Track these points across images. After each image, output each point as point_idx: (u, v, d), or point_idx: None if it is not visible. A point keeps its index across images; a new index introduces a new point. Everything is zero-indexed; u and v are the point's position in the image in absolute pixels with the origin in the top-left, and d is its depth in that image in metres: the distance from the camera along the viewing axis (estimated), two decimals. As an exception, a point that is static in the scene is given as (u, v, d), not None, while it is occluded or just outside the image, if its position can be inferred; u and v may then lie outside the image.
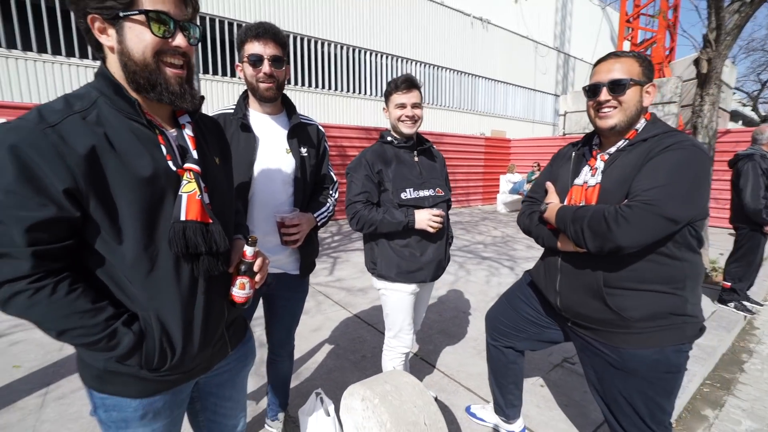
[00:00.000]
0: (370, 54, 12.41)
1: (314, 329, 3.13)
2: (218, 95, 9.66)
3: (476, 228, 8.06)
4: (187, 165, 0.85)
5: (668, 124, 1.29)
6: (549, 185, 1.49)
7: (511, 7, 15.40)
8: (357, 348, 2.83)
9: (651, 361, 1.25)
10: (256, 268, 0.98)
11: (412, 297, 1.83)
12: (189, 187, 0.83)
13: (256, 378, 2.36)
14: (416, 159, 1.83)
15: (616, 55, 1.31)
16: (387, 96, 1.77)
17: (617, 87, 1.26)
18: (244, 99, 1.53)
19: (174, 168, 0.83)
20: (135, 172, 0.77)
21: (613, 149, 1.32)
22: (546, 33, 17.80)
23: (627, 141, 1.29)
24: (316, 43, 11.21)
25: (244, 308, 1.02)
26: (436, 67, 14.04)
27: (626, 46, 13.20)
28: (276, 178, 1.51)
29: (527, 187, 10.21)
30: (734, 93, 16.92)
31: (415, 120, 1.74)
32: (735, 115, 25.41)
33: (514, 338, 1.74)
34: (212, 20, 9.43)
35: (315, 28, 11.04)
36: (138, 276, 0.81)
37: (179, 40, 0.80)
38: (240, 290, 0.96)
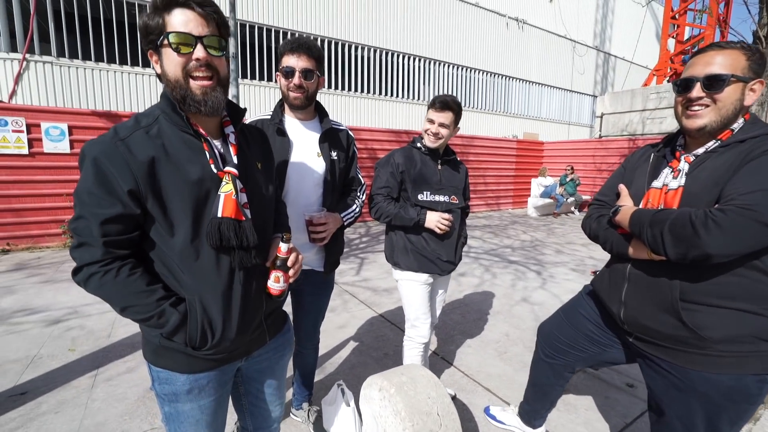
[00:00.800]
0: (403, 57, 12.51)
1: (340, 326, 3.26)
2: (257, 99, 10.10)
3: (504, 232, 7.97)
4: (226, 168, 0.97)
5: None
6: (622, 188, 1.37)
7: (548, 7, 15.03)
8: (380, 346, 2.93)
9: (726, 388, 1.12)
10: (289, 263, 1.08)
11: (426, 287, 2.01)
12: (227, 188, 0.95)
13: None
14: (439, 167, 2.01)
15: (719, 46, 1.14)
16: (428, 108, 1.96)
17: (715, 83, 1.10)
18: (280, 106, 1.67)
19: (215, 170, 0.95)
20: (185, 176, 0.91)
21: (700, 150, 1.18)
22: (585, 32, 17.21)
23: (719, 142, 1.15)
24: (350, 47, 11.44)
25: (280, 300, 1.13)
26: (468, 69, 13.93)
27: (671, 44, 12.58)
28: (307, 179, 1.64)
29: (560, 190, 9.96)
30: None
31: (438, 137, 1.91)
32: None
33: (571, 357, 1.61)
34: (251, 27, 9.86)
35: (348, 32, 11.27)
36: (186, 264, 0.94)
37: (199, 52, 0.89)
38: (275, 283, 1.07)
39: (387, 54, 12.20)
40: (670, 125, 10.33)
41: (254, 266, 1.03)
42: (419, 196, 1.94)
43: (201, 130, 0.97)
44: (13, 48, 7.72)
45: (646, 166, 1.34)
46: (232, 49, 5.85)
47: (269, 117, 1.65)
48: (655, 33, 18.87)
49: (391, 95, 12.55)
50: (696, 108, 1.15)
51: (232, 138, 1.03)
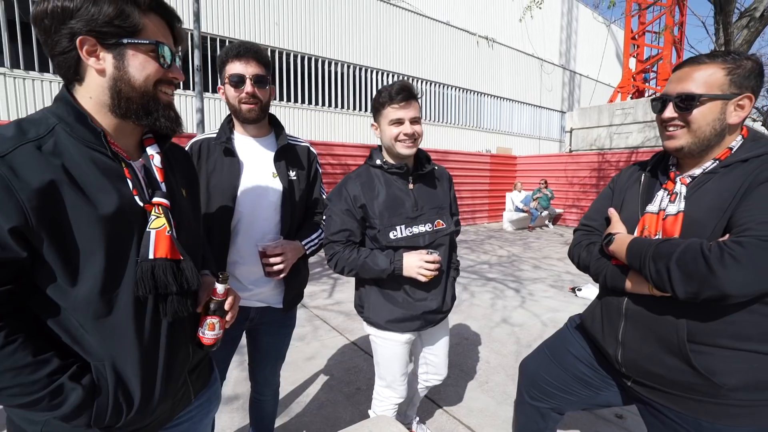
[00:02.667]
0: (377, 72, 12.53)
1: (309, 357, 2.99)
2: (221, 113, 9.78)
3: (481, 247, 7.90)
4: (155, 199, 0.80)
5: None
6: (612, 212, 1.22)
7: (516, 26, 15.52)
8: (351, 379, 2.68)
9: None
10: (227, 306, 0.92)
11: (407, 345, 1.61)
12: (158, 223, 0.78)
13: (242, 413, 2.22)
14: (411, 186, 1.53)
15: (695, 61, 1.04)
16: (377, 109, 1.47)
17: (685, 102, 1.02)
18: (228, 122, 1.45)
19: (141, 203, 0.77)
20: (97, 208, 0.71)
21: (697, 171, 1.07)
22: (551, 51, 17.89)
23: (717, 161, 1.04)
24: (322, 62, 11.35)
25: (213, 350, 0.95)
26: (441, 85, 14.12)
27: (632, 63, 13.17)
28: (262, 204, 1.42)
29: (533, 204, 10.06)
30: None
31: (415, 138, 1.45)
32: (746, 131, 25.13)
33: (560, 400, 1.41)
34: (221, 41, 9.61)
35: (321, 47, 11.20)
36: (92, 321, 0.74)
37: (177, 71, 0.82)
38: (209, 331, 0.90)
39: (361, 69, 12.19)
40: (636, 140, 10.69)
41: (187, 314, 0.85)
42: (391, 235, 1.46)
43: (120, 151, 0.78)
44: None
45: (638, 188, 1.21)
46: (197, 62, 5.60)
47: (215, 135, 1.42)
48: (615, 53, 19.84)
49: (365, 110, 12.49)
50: (671, 129, 1.07)
51: (157, 160, 0.85)
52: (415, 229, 1.50)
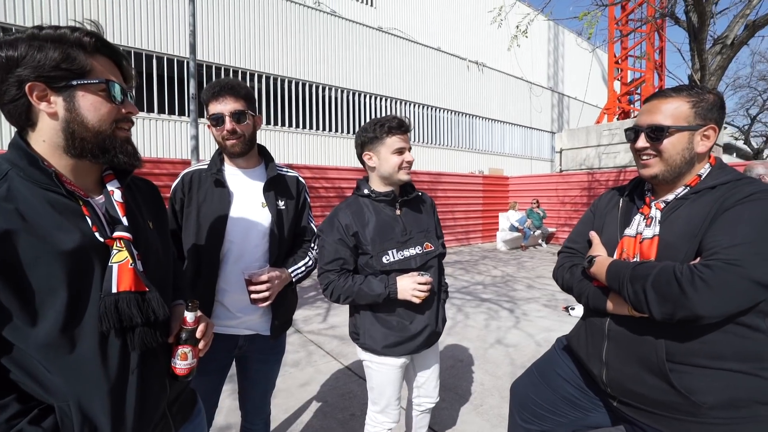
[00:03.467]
0: (370, 97, 12.81)
1: (303, 383, 2.97)
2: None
3: (475, 267, 7.92)
4: (116, 234, 0.80)
5: (738, 170, 1.10)
6: (593, 235, 1.28)
7: (505, 51, 16.01)
8: (346, 405, 2.66)
9: None
10: (198, 334, 0.92)
11: (401, 370, 1.64)
12: (120, 256, 0.79)
13: (235, 443, 2.19)
14: (398, 212, 1.61)
15: (662, 95, 1.12)
16: (378, 138, 1.52)
17: (655, 133, 1.09)
18: (219, 154, 1.51)
19: (101, 239, 0.78)
20: (54, 247, 0.72)
21: (670, 197, 1.13)
22: (540, 74, 18.45)
23: (688, 188, 1.10)
24: (316, 87, 11.61)
25: (187, 380, 0.93)
26: (434, 108, 14.44)
27: (617, 85, 13.61)
28: (251, 233, 1.46)
29: (528, 223, 10.16)
30: (725, 127, 17.22)
31: (410, 165, 1.57)
32: (728, 148, 25.85)
33: (550, 422, 1.42)
34: (217, 69, 9.84)
35: (316, 73, 11.48)
36: (53, 361, 0.72)
37: (131, 107, 0.85)
38: (182, 361, 0.89)
39: (353, 94, 12.47)
40: (623, 159, 10.94)
41: (156, 346, 0.84)
42: (384, 259, 1.51)
43: (77, 189, 0.79)
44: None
45: (616, 212, 1.27)
46: (192, 90, 5.73)
47: (206, 167, 1.48)
48: (601, 75, 20.50)
49: (359, 134, 12.69)
50: (645, 157, 1.14)
51: (117, 195, 0.87)
52: (407, 252, 1.56)
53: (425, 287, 1.48)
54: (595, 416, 1.34)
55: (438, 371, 1.82)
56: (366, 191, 1.61)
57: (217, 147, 1.52)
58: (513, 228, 10.38)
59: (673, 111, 1.08)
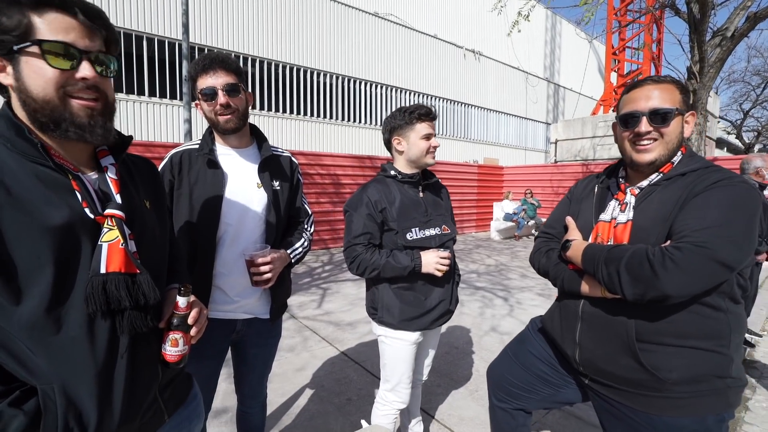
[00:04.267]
0: (367, 84, 12.66)
1: (299, 368, 2.96)
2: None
3: (469, 256, 7.96)
4: (108, 211, 0.76)
5: (706, 159, 1.15)
6: (569, 220, 1.32)
7: (502, 40, 15.92)
8: (342, 390, 2.67)
9: None
10: (190, 320, 0.88)
11: (414, 347, 1.69)
12: (111, 235, 0.75)
13: (231, 426, 2.19)
14: (421, 195, 1.69)
15: (654, 80, 1.16)
16: (409, 123, 1.61)
17: (660, 117, 1.11)
18: (210, 133, 1.45)
19: (92, 215, 0.74)
20: (41, 222, 0.68)
21: (644, 183, 1.18)
22: (536, 64, 18.36)
23: (661, 175, 1.15)
24: (312, 73, 11.43)
25: (179, 367, 0.90)
26: (429, 97, 14.33)
27: (614, 77, 13.60)
28: (247, 214, 1.42)
29: (522, 214, 10.20)
30: (719, 122, 17.37)
31: (435, 150, 1.66)
32: (720, 143, 26.09)
33: (524, 399, 1.50)
34: (207, 51, 9.63)
35: (311, 58, 11.29)
36: (38, 342, 0.69)
37: (85, 70, 0.72)
38: (173, 347, 0.85)
39: (350, 80, 12.31)
40: (618, 151, 10.99)
41: (146, 330, 0.81)
42: (408, 236, 1.58)
43: (66, 163, 0.75)
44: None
45: (592, 198, 1.32)
46: (185, 72, 5.59)
47: (197, 146, 1.42)
48: (598, 67, 20.47)
49: (354, 121, 12.58)
50: (645, 142, 1.14)
51: (111, 171, 0.82)
52: (427, 232, 1.64)
53: (447, 261, 1.56)
54: (565, 392, 1.41)
55: (434, 352, 1.91)
56: (392, 172, 1.68)
57: (207, 128, 1.46)
58: (509, 217, 10.42)
59: (669, 96, 1.12)
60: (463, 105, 15.50)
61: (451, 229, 1.71)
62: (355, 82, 12.44)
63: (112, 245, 0.74)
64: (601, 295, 1.14)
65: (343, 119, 12.32)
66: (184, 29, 5.51)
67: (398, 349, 1.67)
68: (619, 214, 1.18)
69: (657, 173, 1.16)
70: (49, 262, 0.69)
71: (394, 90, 13.33)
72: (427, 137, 1.61)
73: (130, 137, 0.89)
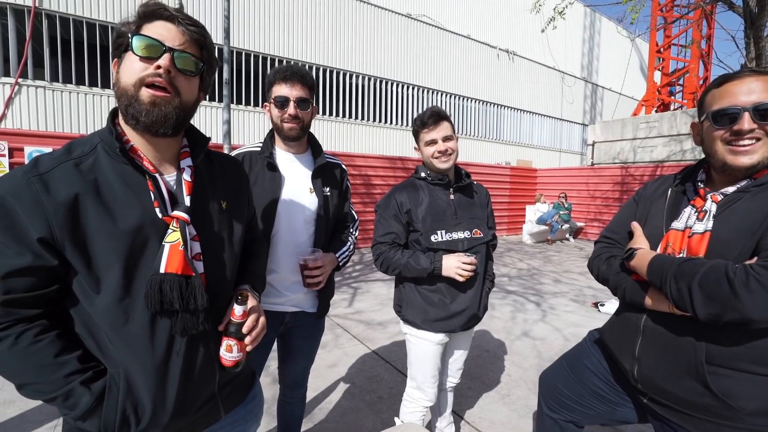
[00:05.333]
0: (398, 85, 12.70)
1: (331, 365, 3.04)
2: (248, 125, 10.10)
3: (501, 260, 7.83)
4: (174, 213, 0.81)
5: None
6: (635, 226, 1.21)
7: (537, 39, 15.51)
8: (373, 388, 2.71)
9: None
10: (245, 329, 0.89)
11: (439, 347, 1.70)
12: (173, 237, 0.79)
13: (267, 418, 2.28)
14: (452, 197, 1.69)
15: (755, 72, 1.00)
16: (416, 134, 1.68)
17: (766, 113, 0.95)
18: (270, 138, 1.54)
19: (160, 215, 0.79)
20: (117, 220, 0.75)
21: (730, 189, 1.03)
22: (573, 63, 17.76)
23: (751, 180, 1.01)
24: (344, 75, 11.60)
25: (235, 371, 0.92)
26: (462, 98, 14.18)
27: (657, 75, 12.96)
28: (299, 217, 1.50)
29: (556, 218, 9.92)
30: None
31: (449, 154, 1.61)
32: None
33: (577, 413, 1.41)
34: (248, 55, 9.97)
35: (344, 60, 11.45)
36: (111, 329, 0.76)
37: (162, 60, 0.77)
38: (227, 353, 0.87)
39: (381, 82, 12.39)
40: (661, 154, 10.47)
41: (203, 331, 0.85)
42: (433, 238, 1.60)
43: (147, 164, 0.81)
44: (6, 72, 7.66)
45: (663, 203, 1.19)
46: (225, 75, 5.83)
47: (259, 149, 1.51)
48: (639, 66, 19.55)
49: (386, 122, 12.65)
50: (746, 143, 0.98)
51: (186, 174, 0.87)
52: (455, 235, 1.63)
53: (470, 267, 1.54)
54: (623, 411, 1.31)
55: (466, 356, 1.90)
56: (423, 174, 1.71)
57: (264, 131, 1.55)
58: (543, 220, 10.14)
59: None
60: (496, 106, 15.22)
61: (484, 233, 1.69)
62: (387, 83, 12.50)
63: (173, 246, 0.78)
64: (668, 310, 1.04)
65: (375, 120, 12.42)
66: (225, 34, 5.75)
67: (423, 349, 1.69)
68: (695, 222, 1.04)
69: (749, 179, 1.02)
70: (120, 258, 0.75)
71: (426, 91, 13.29)
72: (431, 143, 1.62)
73: (208, 138, 0.94)
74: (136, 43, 0.75)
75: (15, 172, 0.72)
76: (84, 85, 8.21)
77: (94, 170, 0.76)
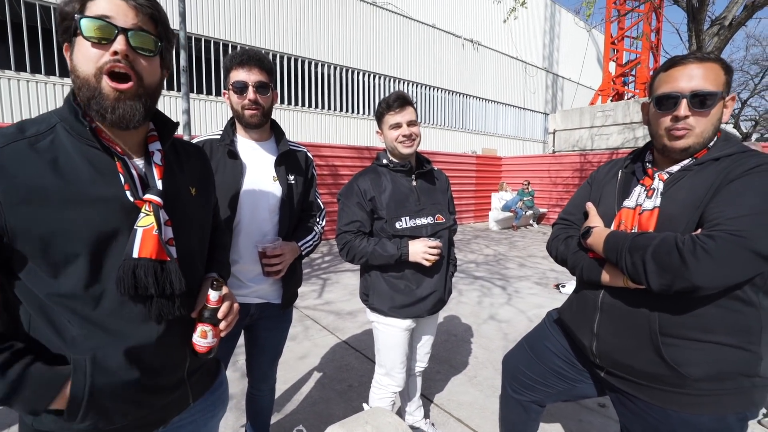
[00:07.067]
0: (364, 74, 12.58)
1: (301, 357, 3.02)
2: (208, 114, 9.70)
3: (468, 246, 8.02)
4: (146, 196, 0.77)
5: (742, 143, 1.08)
6: (590, 206, 1.26)
7: (500, 29, 15.79)
8: (344, 377, 2.73)
9: (708, 430, 1.03)
10: (220, 314, 0.88)
11: (406, 333, 1.72)
12: (146, 221, 0.76)
13: (236, 412, 2.24)
14: (414, 183, 1.70)
15: (698, 58, 1.03)
16: (379, 117, 1.65)
17: (702, 101, 1.00)
18: (231, 125, 1.50)
19: (131, 199, 0.75)
20: (82, 204, 0.71)
21: (675, 168, 1.09)
22: (535, 54, 18.24)
23: (693, 159, 1.07)
24: (309, 63, 11.35)
25: (208, 357, 0.91)
26: (427, 87, 14.26)
27: (612, 66, 13.54)
28: (262, 206, 1.47)
29: (520, 204, 10.25)
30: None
31: (413, 139, 1.61)
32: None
33: (540, 393, 1.47)
34: (207, 42, 9.53)
35: (308, 49, 11.19)
36: (75, 314, 0.72)
37: (117, 44, 0.70)
38: (201, 338, 0.86)
39: (347, 71, 12.22)
40: (616, 141, 11.01)
41: (178, 316, 0.83)
42: (397, 225, 1.61)
43: (116, 147, 0.77)
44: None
45: (615, 183, 1.25)
46: (183, 63, 5.55)
47: (219, 137, 1.46)
48: (596, 57, 20.35)
49: (352, 112, 12.53)
50: (681, 128, 1.03)
51: (157, 157, 0.84)
52: (418, 221, 1.65)
53: (435, 251, 1.56)
54: (581, 387, 1.38)
55: (432, 340, 1.94)
56: (385, 161, 1.71)
57: (225, 121, 1.50)
58: (507, 207, 10.46)
59: (714, 77, 1.01)
60: (461, 95, 15.43)
61: (446, 219, 1.71)
62: (352, 72, 12.35)
63: (146, 231, 0.75)
64: (623, 285, 1.08)
65: (341, 110, 12.27)
66: (181, 18, 5.45)
67: (390, 335, 1.71)
68: (645, 200, 1.10)
69: (691, 158, 1.08)
70: (88, 242, 0.71)
71: (392, 80, 13.25)
72: (396, 126, 1.60)
73: (176, 123, 0.90)
74: (85, 25, 0.69)
75: None
76: (54, 75, 7.60)
77: (52, 150, 0.71)
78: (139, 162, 0.83)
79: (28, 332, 0.74)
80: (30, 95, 7.60)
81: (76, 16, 0.70)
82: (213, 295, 0.86)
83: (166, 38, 0.80)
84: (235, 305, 0.94)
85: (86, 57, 0.71)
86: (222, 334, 0.90)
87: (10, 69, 7.43)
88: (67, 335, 0.73)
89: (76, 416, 0.73)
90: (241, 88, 1.37)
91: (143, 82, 0.76)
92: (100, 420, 0.76)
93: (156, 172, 0.82)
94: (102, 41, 0.70)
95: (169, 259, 0.79)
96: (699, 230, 0.98)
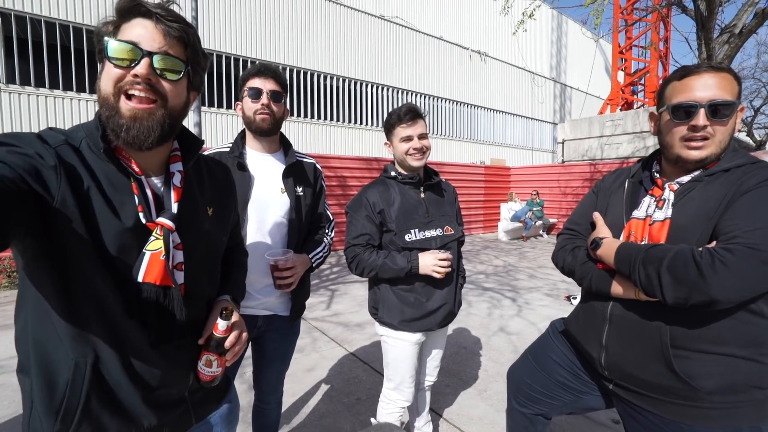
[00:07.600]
0: (373, 86, 12.72)
1: (308, 369, 3.00)
2: (219, 127, 9.88)
3: (477, 257, 7.95)
4: (158, 219, 0.77)
5: (750, 154, 1.08)
6: (597, 216, 1.24)
7: (507, 40, 15.89)
8: (351, 390, 2.70)
9: None
10: (227, 344, 0.85)
11: (416, 347, 1.69)
12: (155, 245, 0.75)
13: (242, 425, 2.22)
14: (422, 195, 1.68)
15: (712, 67, 1.03)
16: (389, 129, 1.64)
17: (721, 110, 0.99)
18: (241, 138, 1.52)
19: (144, 221, 0.75)
20: (96, 219, 0.71)
21: (686, 178, 1.08)
22: (542, 64, 18.29)
23: (703, 170, 1.06)
24: (318, 76, 11.52)
25: (212, 386, 0.89)
26: (435, 98, 14.35)
27: (620, 76, 13.49)
28: (270, 218, 1.48)
29: (529, 215, 10.16)
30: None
31: (423, 152, 1.61)
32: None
33: (545, 405, 1.44)
34: (218, 56, 9.75)
35: (317, 62, 11.38)
36: (90, 319, 0.72)
37: (139, 67, 0.70)
38: (206, 367, 0.84)
39: (356, 83, 12.38)
40: (626, 150, 10.90)
41: (177, 345, 0.82)
42: (407, 237, 1.58)
43: (134, 166, 0.77)
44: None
45: (622, 193, 1.23)
46: (194, 78, 5.69)
47: (228, 149, 1.48)
48: (604, 66, 20.32)
49: (360, 123, 12.64)
50: (699, 138, 1.02)
51: (176, 179, 0.82)
52: (428, 233, 1.63)
53: (446, 263, 1.54)
54: (588, 399, 1.35)
55: (442, 354, 1.90)
56: (393, 173, 1.70)
57: (235, 134, 1.53)
58: (516, 217, 10.37)
59: (729, 86, 1.01)
60: (469, 106, 15.48)
61: (455, 230, 1.70)
62: (361, 84, 12.50)
63: (153, 255, 0.75)
64: (634, 297, 1.06)
65: (350, 122, 12.39)
66: (193, 35, 5.61)
67: (400, 349, 1.68)
68: (655, 211, 1.08)
69: (702, 169, 1.07)
70: (99, 256, 0.71)
71: (400, 92, 13.37)
72: (407, 139, 1.59)
73: (202, 141, 0.89)
74: (111, 47, 0.70)
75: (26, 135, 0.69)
76: (44, 87, 7.83)
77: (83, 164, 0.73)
78: (158, 181, 0.82)
79: (36, 331, 0.74)
80: (48, 110, 7.83)
81: (105, 38, 0.71)
82: (221, 324, 0.84)
83: (194, 61, 0.79)
84: (244, 335, 0.91)
85: (108, 76, 0.72)
86: (227, 364, 0.89)
87: (30, 85, 7.68)
88: (65, 336, 0.72)
89: (70, 426, 0.72)
90: (255, 94, 1.41)
91: (167, 104, 0.75)
92: (95, 426, 0.74)
93: (173, 195, 0.81)
94: (126, 63, 0.71)
95: (173, 285, 0.78)
96: (714, 243, 0.96)
